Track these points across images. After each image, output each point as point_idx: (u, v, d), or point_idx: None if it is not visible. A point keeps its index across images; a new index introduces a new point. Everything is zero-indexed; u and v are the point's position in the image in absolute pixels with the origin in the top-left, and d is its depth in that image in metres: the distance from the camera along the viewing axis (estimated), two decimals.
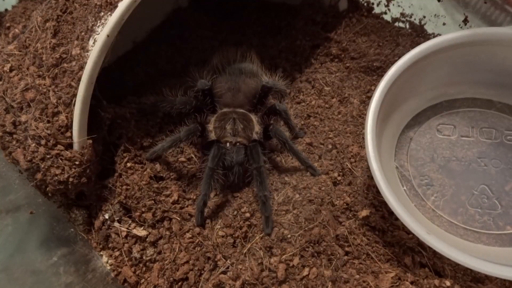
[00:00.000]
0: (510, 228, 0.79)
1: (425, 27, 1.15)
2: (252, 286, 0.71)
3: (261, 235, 0.77)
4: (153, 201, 0.83)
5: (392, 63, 0.86)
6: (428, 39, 1.09)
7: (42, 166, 0.78)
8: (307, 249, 0.75)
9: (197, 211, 0.79)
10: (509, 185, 0.83)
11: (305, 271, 0.73)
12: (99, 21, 0.82)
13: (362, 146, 0.90)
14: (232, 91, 0.93)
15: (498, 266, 0.67)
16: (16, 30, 0.97)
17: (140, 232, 0.81)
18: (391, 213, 0.79)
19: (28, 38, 0.89)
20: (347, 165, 0.88)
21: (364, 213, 0.81)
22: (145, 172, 0.85)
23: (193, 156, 0.90)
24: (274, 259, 0.74)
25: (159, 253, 0.79)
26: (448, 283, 0.72)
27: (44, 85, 0.82)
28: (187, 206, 0.84)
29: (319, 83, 1.04)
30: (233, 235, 0.78)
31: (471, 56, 0.88)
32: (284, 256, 0.74)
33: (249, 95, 0.94)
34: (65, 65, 0.82)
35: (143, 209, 0.82)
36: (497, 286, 0.73)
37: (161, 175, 0.86)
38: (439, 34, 1.12)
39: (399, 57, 0.86)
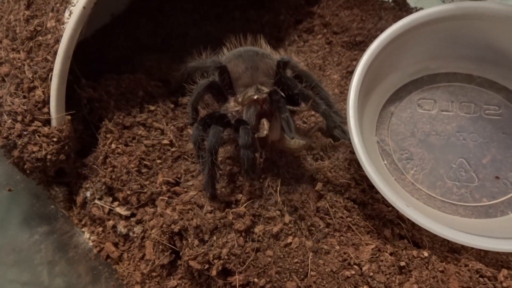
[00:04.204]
0: (486, 201, 0.81)
1: (408, 0, 1.14)
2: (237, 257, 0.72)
3: (245, 205, 0.77)
4: (139, 186, 0.82)
5: (375, 37, 0.86)
6: (411, 13, 1.09)
7: (19, 143, 0.77)
8: (289, 216, 0.76)
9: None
10: (486, 158, 0.85)
11: (289, 239, 0.74)
12: None
13: (344, 122, 0.90)
14: (251, 69, 0.86)
15: (473, 236, 0.70)
16: None
17: (123, 211, 0.80)
18: (371, 186, 0.80)
19: (0, 9, 0.86)
20: (329, 140, 0.89)
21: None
22: (135, 156, 0.83)
23: (173, 139, 0.88)
24: (258, 228, 0.74)
25: (146, 230, 0.79)
26: (426, 254, 0.74)
27: (19, 59, 0.79)
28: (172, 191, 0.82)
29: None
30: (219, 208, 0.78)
31: (452, 30, 0.88)
32: (267, 226, 0.74)
33: (268, 73, 0.86)
34: (40, 38, 0.80)
35: (128, 192, 0.81)
36: (473, 256, 0.75)
37: (147, 163, 0.84)
38: (421, 8, 1.12)
39: (382, 32, 0.86)
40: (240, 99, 0.79)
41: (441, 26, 0.87)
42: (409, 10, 1.12)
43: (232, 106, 0.81)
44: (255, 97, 0.76)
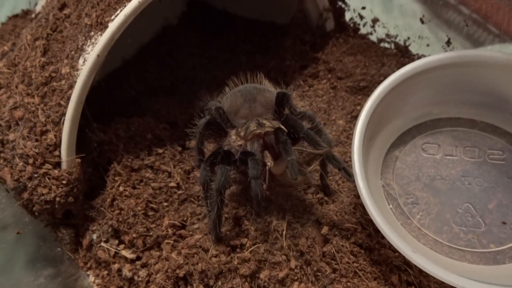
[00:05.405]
0: (493, 246, 0.81)
1: (410, 48, 1.18)
2: None
3: (250, 249, 0.76)
4: (145, 229, 0.82)
5: (378, 83, 0.88)
6: (413, 59, 1.12)
7: (29, 185, 0.78)
8: (295, 261, 0.75)
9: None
10: (492, 203, 0.85)
11: (295, 285, 0.73)
12: (89, 41, 0.82)
13: (349, 166, 0.91)
14: (249, 102, 0.90)
15: (482, 284, 0.68)
16: (5, 48, 0.97)
17: (129, 255, 0.80)
18: (377, 231, 0.80)
19: (17, 56, 0.89)
20: (334, 185, 0.89)
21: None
22: (142, 198, 0.84)
23: (180, 182, 0.89)
24: (264, 273, 0.74)
25: (151, 274, 0.79)
26: None
27: (33, 103, 0.82)
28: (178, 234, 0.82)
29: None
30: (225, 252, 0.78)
31: (454, 77, 0.90)
32: (273, 271, 0.74)
33: (266, 105, 0.90)
34: (55, 83, 0.83)
35: (134, 235, 0.81)
36: None
37: (153, 206, 0.85)
38: (423, 55, 1.16)
39: (385, 77, 0.88)
40: (242, 133, 0.80)
41: (443, 73, 0.90)
42: (411, 57, 1.15)
43: (234, 140, 0.82)
44: (258, 132, 0.78)
